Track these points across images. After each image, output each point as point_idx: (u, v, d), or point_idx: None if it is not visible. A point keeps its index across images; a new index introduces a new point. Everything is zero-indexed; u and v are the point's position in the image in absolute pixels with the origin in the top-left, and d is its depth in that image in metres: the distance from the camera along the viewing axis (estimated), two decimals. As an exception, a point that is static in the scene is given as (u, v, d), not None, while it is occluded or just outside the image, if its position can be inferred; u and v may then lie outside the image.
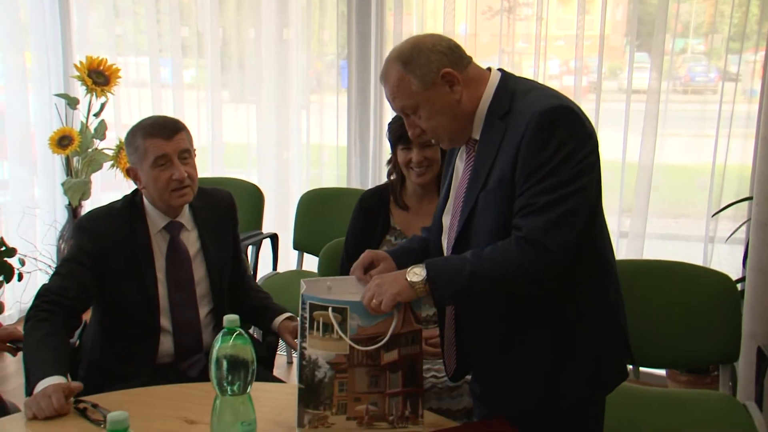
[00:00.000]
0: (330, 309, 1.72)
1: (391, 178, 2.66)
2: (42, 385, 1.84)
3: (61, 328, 2.09)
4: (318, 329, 1.72)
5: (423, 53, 1.72)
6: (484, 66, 1.84)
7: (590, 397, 1.81)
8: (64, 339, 2.09)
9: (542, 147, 1.62)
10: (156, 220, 2.31)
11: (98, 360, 2.31)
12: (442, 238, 1.92)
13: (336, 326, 1.71)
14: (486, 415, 1.96)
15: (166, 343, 2.31)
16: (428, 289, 1.68)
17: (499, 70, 1.81)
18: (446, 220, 1.90)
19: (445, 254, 1.89)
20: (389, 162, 2.66)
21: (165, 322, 2.30)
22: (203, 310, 2.36)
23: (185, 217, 2.36)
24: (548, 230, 1.62)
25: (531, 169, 1.63)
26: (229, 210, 2.49)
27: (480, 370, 1.94)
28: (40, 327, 2.05)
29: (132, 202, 2.33)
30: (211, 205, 2.43)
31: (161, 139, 2.21)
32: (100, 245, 2.23)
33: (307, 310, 1.72)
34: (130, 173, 2.30)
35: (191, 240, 2.36)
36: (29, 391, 1.88)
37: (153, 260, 2.29)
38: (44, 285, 2.19)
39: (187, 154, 2.26)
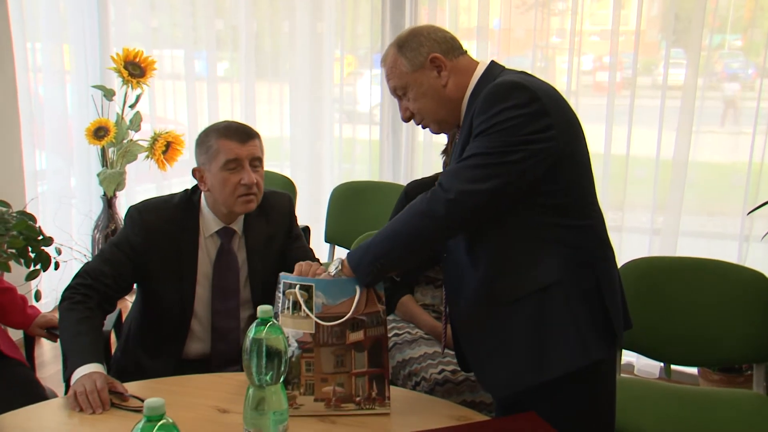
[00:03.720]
0: (297, 286, 1.79)
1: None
2: (80, 372, 1.88)
3: (96, 311, 2.12)
4: (289, 308, 1.80)
5: (416, 38, 1.87)
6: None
7: (571, 367, 1.78)
8: (99, 322, 2.12)
9: (486, 114, 1.71)
10: (210, 223, 2.28)
11: (132, 349, 2.33)
12: None
13: (302, 303, 1.78)
14: (501, 406, 1.98)
15: (198, 347, 2.30)
16: (350, 274, 1.81)
17: (491, 61, 1.89)
18: None
19: None
20: (443, 152, 2.67)
21: (197, 325, 2.28)
22: (243, 315, 2.33)
23: (239, 224, 2.32)
24: (455, 175, 1.72)
25: (474, 133, 1.74)
26: (286, 217, 2.42)
27: (469, 353, 1.96)
28: (75, 309, 2.08)
29: (189, 199, 2.30)
30: (266, 213, 2.36)
31: (235, 142, 2.18)
32: (147, 237, 2.22)
33: (281, 289, 1.80)
34: (195, 174, 2.26)
35: (240, 248, 2.32)
36: (66, 376, 1.92)
37: (196, 262, 2.26)
38: (85, 265, 2.22)
39: (258, 162, 2.23)
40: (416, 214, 1.74)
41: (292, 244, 2.43)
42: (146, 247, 2.23)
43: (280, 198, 2.44)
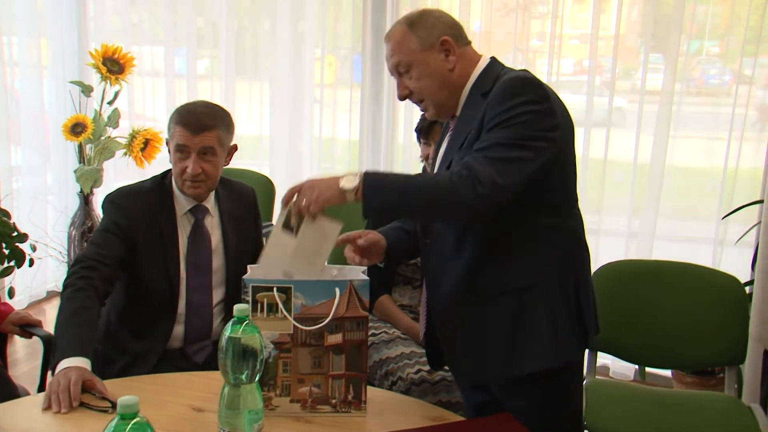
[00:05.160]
0: (275, 289, 1.76)
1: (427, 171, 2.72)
2: (64, 364, 1.87)
3: (96, 300, 2.12)
4: (262, 310, 1.77)
5: (429, 18, 1.88)
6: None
7: (541, 364, 1.81)
8: (96, 312, 2.10)
9: (502, 106, 1.72)
10: (183, 202, 2.34)
11: (114, 334, 2.34)
12: None
13: (280, 305, 1.76)
14: (472, 406, 2.01)
15: (178, 326, 2.33)
16: (359, 198, 1.71)
17: (493, 57, 1.92)
18: None
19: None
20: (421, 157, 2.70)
21: (180, 304, 2.33)
22: (216, 298, 2.38)
23: (210, 202, 2.39)
24: (485, 163, 1.68)
25: (489, 125, 1.73)
26: (252, 205, 2.53)
27: (444, 340, 1.97)
28: (76, 298, 2.07)
29: (161, 183, 2.37)
30: (234, 198, 2.46)
31: (188, 131, 2.23)
32: (131, 221, 2.27)
33: (249, 293, 1.77)
34: (168, 144, 2.34)
35: (213, 226, 2.39)
36: (53, 365, 1.92)
37: (178, 242, 2.32)
38: (80, 253, 2.24)
39: (209, 152, 2.26)
40: (447, 189, 1.69)
41: (260, 240, 2.52)
42: (131, 229, 2.27)
43: (245, 188, 2.54)
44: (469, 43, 1.91)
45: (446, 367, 2.39)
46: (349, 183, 1.71)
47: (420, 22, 1.86)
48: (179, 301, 2.32)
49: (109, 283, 2.21)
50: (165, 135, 2.28)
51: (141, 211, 2.29)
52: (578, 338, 1.85)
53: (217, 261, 2.39)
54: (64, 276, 2.16)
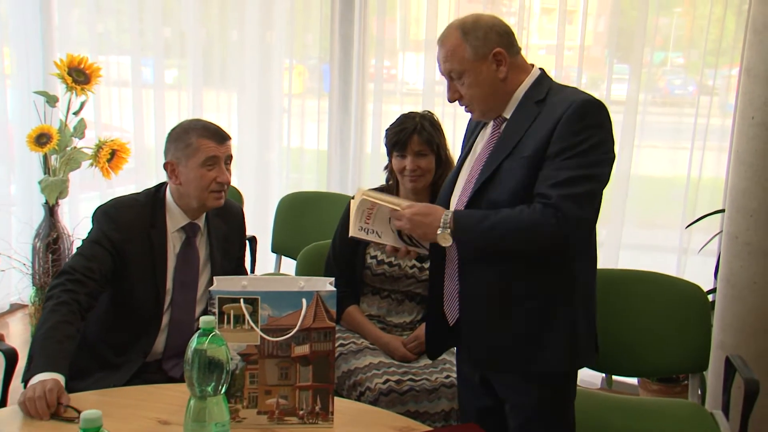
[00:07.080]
0: (242, 300, 1.77)
1: (389, 183, 2.72)
2: (38, 378, 1.86)
3: (78, 314, 2.11)
4: (228, 322, 1.78)
5: (482, 29, 1.93)
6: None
7: (559, 367, 1.97)
8: (76, 328, 2.10)
9: (577, 131, 1.83)
10: (177, 218, 2.36)
11: (93, 344, 2.31)
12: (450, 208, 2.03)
13: (247, 316, 1.77)
14: (478, 410, 2.06)
15: (159, 341, 2.33)
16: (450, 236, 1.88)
17: (542, 69, 2.02)
18: (456, 192, 2.05)
19: None
20: (386, 167, 2.71)
21: (164, 319, 2.34)
22: (196, 315, 2.39)
23: (201, 220, 2.41)
24: (569, 202, 1.81)
25: (562, 147, 1.83)
26: (239, 225, 2.58)
27: (468, 321, 2.01)
28: (58, 311, 2.07)
29: (155, 197, 2.37)
30: (223, 215, 2.49)
31: (214, 142, 2.31)
32: (122, 234, 2.27)
33: (216, 305, 1.78)
34: (167, 167, 2.34)
35: (201, 244, 2.42)
36: (26, 378, 1.90)
37: (167, 258, 2.33)
38: (68, 263, 2.22)
39: (229, 161, 2.37)
40: (534, 231, 1.83)
41: (243, 258, 2.58)
42: (121, 242, 2.27)
43: (234, 206, 2.60)
44: (519, 51, 1.98)
45: (415, 377, 2.41)
46: (445, 242, 1.87)
47: (474, 32, 1.91)
48: (163, 316, 2.33)
49: (93, 298, 2.20)
50: (132, 145, 2.29)
51: (134, 226, 2.30)
52: (589, 350, 2.04)
53: (203, 279, 2.41)
54: (30, 288, 2.14)
